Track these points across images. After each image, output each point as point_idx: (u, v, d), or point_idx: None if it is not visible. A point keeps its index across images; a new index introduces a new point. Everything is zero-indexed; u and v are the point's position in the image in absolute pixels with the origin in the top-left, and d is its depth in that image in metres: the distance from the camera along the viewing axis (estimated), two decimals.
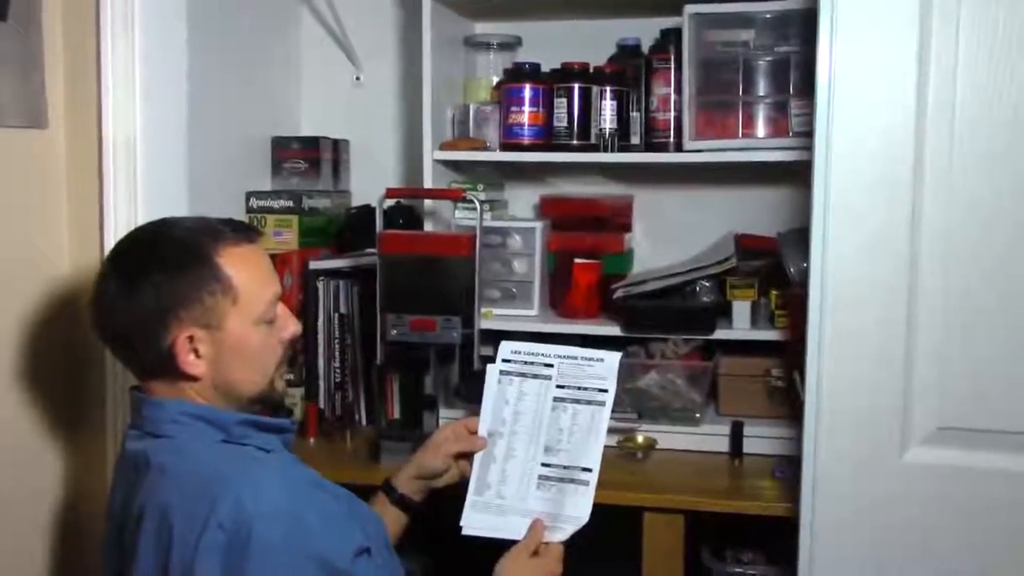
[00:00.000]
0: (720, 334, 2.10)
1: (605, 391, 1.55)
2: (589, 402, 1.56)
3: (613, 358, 1.58)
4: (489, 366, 1.62)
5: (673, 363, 2.18)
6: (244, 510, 1.22)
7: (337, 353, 2.31)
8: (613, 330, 2.13)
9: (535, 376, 1.58)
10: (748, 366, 2.13)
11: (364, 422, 2.33)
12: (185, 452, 1.30)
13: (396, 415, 2.30)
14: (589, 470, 1.53)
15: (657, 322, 2.11)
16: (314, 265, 2.33)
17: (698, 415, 2.13)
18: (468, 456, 1.60)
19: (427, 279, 2.02)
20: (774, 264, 2.08)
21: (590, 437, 1.53)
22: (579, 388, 1.57)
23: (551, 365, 1.58)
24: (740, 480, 1.97)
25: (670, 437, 2.11)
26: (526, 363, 1.59)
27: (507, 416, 1.58)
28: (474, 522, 1.55)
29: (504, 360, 1.60)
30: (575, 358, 1.57)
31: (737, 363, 2.14)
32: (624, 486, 1.89)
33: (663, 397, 2.15)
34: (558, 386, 1.57)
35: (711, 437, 2.11)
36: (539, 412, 1.57)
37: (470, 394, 2.06)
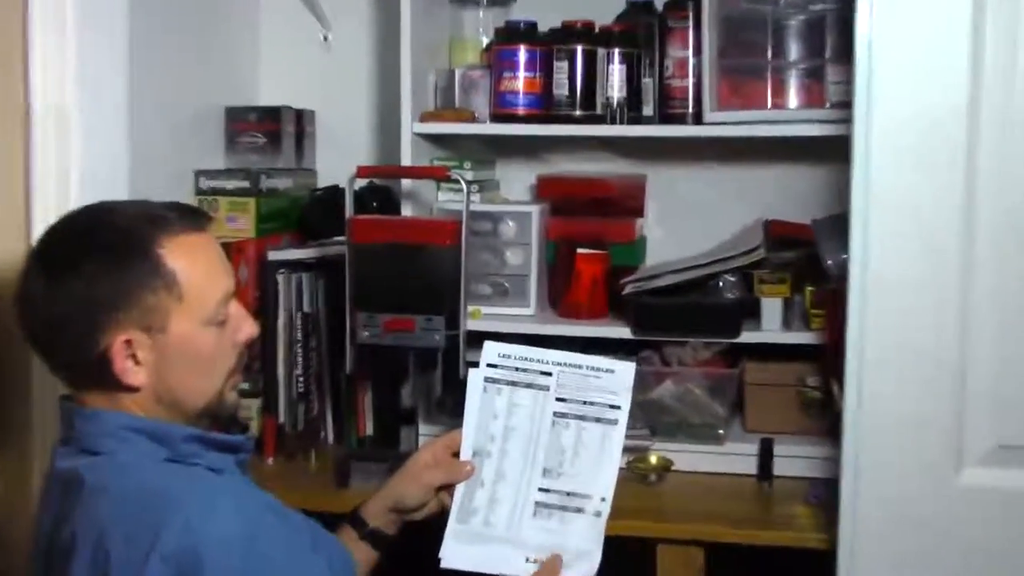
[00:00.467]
0: (747, 337, 2.12)
1: (617, 408, 1.54)
2: (598, 420, 1.55)
3: (627, 370, 1.55)
4: (472, 371, 1.62)
5: (692, 371, 2.20)
6: (193, 536, 1.23)
7: (300, 359, 2.32)
8: (622, 332, 2.15)
9: (529, 385, 1.57)
10: (779, 374, 2.16)
11: (331, 439, 2.36)
12: (125, 471, 1.30)
13: (368, 431, 2.34)
14: (600, 498, 1.53)
15: (673, 323, 2.13)
16: (273, 255, 2.34)
17: (721, 431, 2.15)
18: (451, 488, 1.59)
19: (405, 272, 2.03)
20: (809, 256, 2.09)
21: (602, 461, 1.53)
22: (584, 403, 1.56)
23: (549, 374, 1.57)
24: (769, 507, 2.00)
25: (688, 457, 2.14)
26: (517, 370, 1.58)
27: (496, 432, 1.57)
28: (456, 554, 1.55)
29: (490, 365, 1.58)
30: (579, 367, 1.56)
31: (766, 371, 2.17)
32: (635, 514, 1.90)
33: (680, 410, 2.17)
34: (558, 399, 1.56)
35: (736, 457, 2.13)
36: (535, 428, 1.56)
37: (455, 407, 2.03)
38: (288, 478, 2.15)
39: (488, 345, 1.59)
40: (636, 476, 2.07)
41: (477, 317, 2.18)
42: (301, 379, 2.33)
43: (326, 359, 2.34)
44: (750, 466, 2.11)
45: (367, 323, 2.04)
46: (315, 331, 2.34)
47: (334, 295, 2.26)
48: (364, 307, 2.05)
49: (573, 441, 1.55)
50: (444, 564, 1.54)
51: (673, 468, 2.10)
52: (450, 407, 2.10)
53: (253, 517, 1.28)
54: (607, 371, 1.55)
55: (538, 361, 1.57)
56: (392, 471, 1.70)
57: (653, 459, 2.12)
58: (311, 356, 2.34)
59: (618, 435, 1.53)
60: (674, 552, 1.91)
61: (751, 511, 1.97)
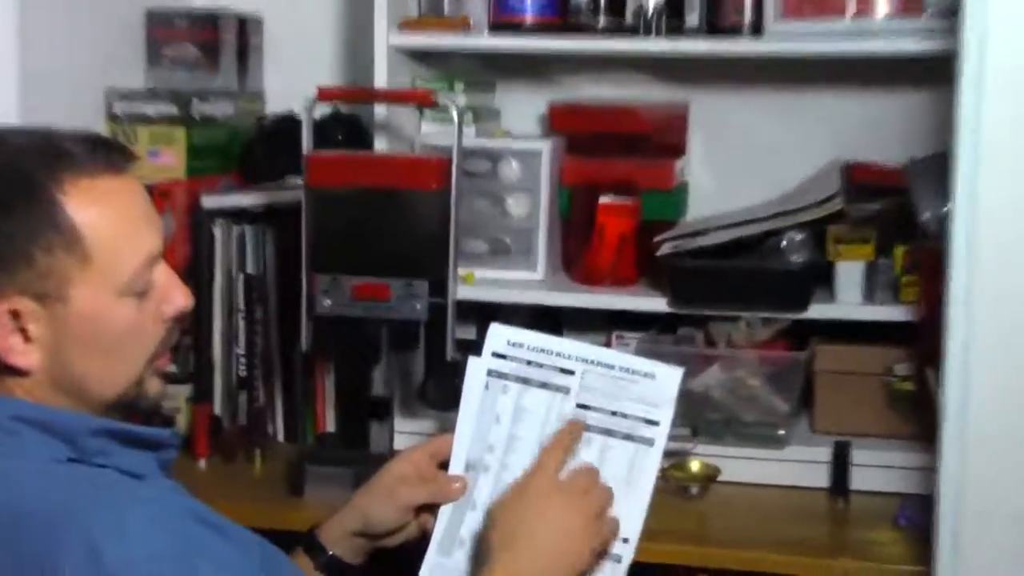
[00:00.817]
0: (817, 311, 2.12)
1: (655, 424, 1.53)
2: (629, 437, 1.54)
3: (671, 377, 1.55)
4: (472, 361, 1.60)
5: (746, 354, 2.19)
6: (102, 562, 1.20)
7: (242, 334, 2.32)
8: (656, 304, 2.15)
9: (544, 385, 1.57)
10: (859, 360, 2.15)
11: (281, 436, 2.37)
12: (9, 475, 1.27)
13: (329, 427, 2.34)
14: (622, 539, 1.52)
15: (722, 293, 2.13)
16: (209, 202, 2.34)
17: (782, 432, 2.15)
18: (434, 508, 1.60)
19: (378, 224, 2.03)
20: (900, 207, 2.10)
21: (629, 491, 1.52)
22: (614, 414, 1.54)
23: (570, 372, 1.56)
24: (844, 530, 2.01)
25: (740, 465, 2.14)
26: (530, 363, 1.57)
27: (497, 441, 1.57)
28: None
29: (495, 355, 1.58)
30: (610, 366, 1.55)
31: (843, 355, 2.17)
32: (669, 537, 1.91)
33: (730, 405, 2.17)
34: (580, 406, 1.55)
35: (801, 465, 2.14)
36: (545, 439, 1.55)
37: (441, 397, 2.09)
38: (225, 486, 2.15)
39: (495, 329, 1.59)
40: (672, 488, 2.08)
41: (470, 283, 2.18)
42: (243, 360, 2.33)
43: (275, 335, 2.34)
44: (820, 477, 2.12)
45: (329, 289, 2.05)
46: (262, 299, 2.34)
47: (286, 253, 2.26)
48: (325, 268, 2.05)
49: (594, 462, 1.53)
50: None
51: (720, 478, 2.11)
52: (435, 398, 2.10)
53: (182, 532, 1.26)
54: (646, 375, 1.54)
55: (558, 355, 1.56)
56: (359, 478, 1.70)
57: (694, 466, 2.12)
58: (256, 331, 2.34)
59: (652, 460, 1.52)
60: None
61: (820, 535, 1.98)
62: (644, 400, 1.53)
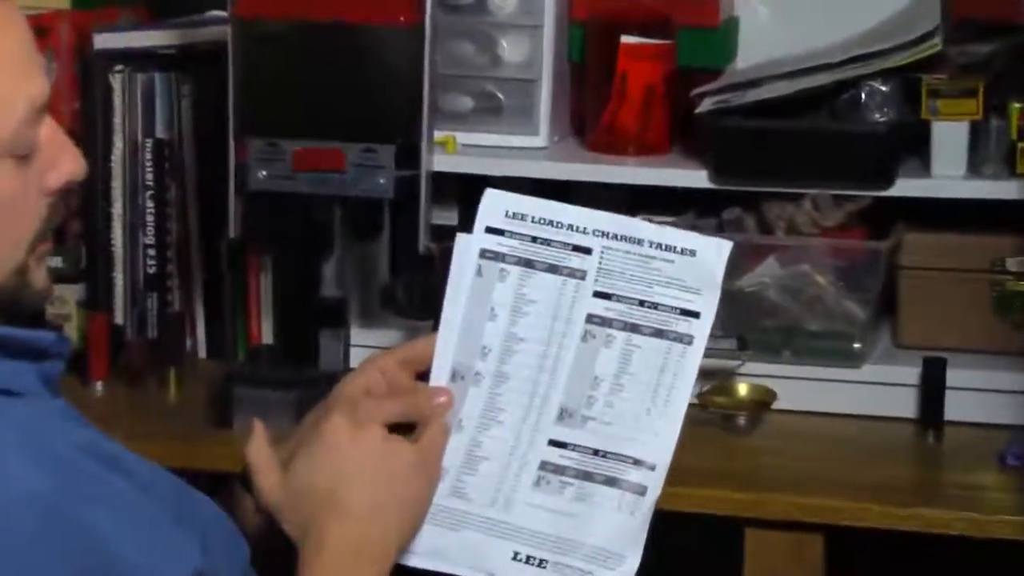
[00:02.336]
0: (905, 188, 2.15)
1: (694, 316, 1.55)
2: (659, 333, 1.55)
3: (717, 252, 1.55)
4: (461, 238, 1.60)
5: (811, 243, 2.20)
6: None
7: (150, 219, 2.33)
8: (694, 178, 2.19)
9: (552, 268, 1.58)
10: (958, 252, 2.19)
11: (203, 352, 2.40)
12: None
13: (266, 339, 2.37)
14: (647, 466, 1.55)
15: (781, 163, 2.16)
16: (104, 42, 2.34)
17: (858, 345, 2.17)
18: (409, 432, 1.58)
19: (328, 71, 2.05)
20: (1019, 51, 2.12)
21: (655, 402, 1.55)
22: (641, 303, 1.56)
23: (587, 250, 1.58)
24: (937, 471, 2.06)
25: (801, 388, 2.17)
26: (535, 240, 1.59)
27: (492, 341, 1.59)
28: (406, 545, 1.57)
29: (490, 230, 1.60)
30: (638, 242, 1.57)
31: (937, 245, 2.20)
32: (710, 478, 1.95)
33: (790, 310, 2.19)
34: (598, 294, 1.58)
35: (882, 389, 2.17)
36: (557, 340, 1.58)
37: (412, 301, 2.13)
38: (130, 417, 2.19)
39: (490, 196, 1.59)
40: (714, 418, 2.10)
41: (451, 150, 2.21)
42: (152, 253, 2.34)
43: (194, 220, 2.35)
44: (905, 404, 2.15)
45: (264, 158, 2.07)
46: (176, 172, 2.34)
47: (208, 111, 2.27)
48: (259, 130, 2.07)
49: (615, 366, 1.56)
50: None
51: (774, 406, 2.13)
52: (403, 302, 2.14)
53: (69, 467, 1.28)
54: (684, 252, 1.56)
55: (570, 228, 1.59)
56: (304, 404, 1.71)
57: (742, 390, 2.16)
58: (169, 214, 2.34)
59: (690, 363, 1.54)
60: (775, 541, 1.96)
61: (906, 477, 2.01)
62: (681, 284, 1.54)
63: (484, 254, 1.58)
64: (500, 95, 2.26)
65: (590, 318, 1.56)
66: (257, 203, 2.11)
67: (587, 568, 1.54)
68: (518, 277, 1.58)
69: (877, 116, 2.17)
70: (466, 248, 1.58)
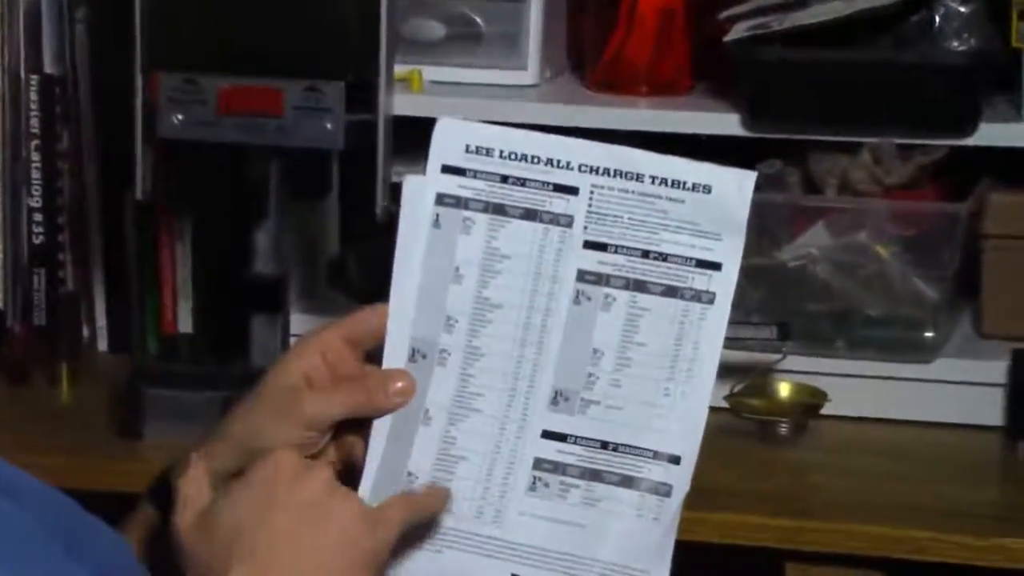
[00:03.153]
0: (989, 135, 2.07)
1: (715, 267, 1.49)
2: (671, 291, 1.49)
3: (740, 185, 1.50)
4: (411, 181, 1.55)
5: (870, 206, 2.13)
6: None
7: (36, 177, 2.28)
8: (723, 123, 2.13)
9: (529, 213, 1.52)
10: None
11: (105, 344, 2.35)
12: None
13: (184, 327, 2.30)
14: (670, 459, 1.49)
15: (832, 105, 2.09)
16: None
17: (930, 335, 2.11)
18: (362, 427, 1.54)
19: None
20: None
21: (674, 378, 1.50)
22: (645, 255, 1.50)
23: (572, 190, 1.51)
24: None
25: (859, 389, 2.10)
26: (506, 180, 1.52)
27: (458, 309, 1.53)
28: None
29: (448, 168, 1.53)
30: (637, 176, 1.50)
31: None
32: (745, 502, 1.91)
33: (844, 289, 2.12)
34: (589, 243, 1.51)
35: (960, 389, 2.09)
36: (540, 304, 1.51)
37: (366, 278, 2.03)
38: (12, 420, 2.14)
39: (444, 126, 1.54)
40: (748, 425, 2.05)
41: (417, 88, 2.18)
42: (40, 218, 2.28)
43: (93, 176, 2.30)
44: (989, 409, 2.06)
45: (181, 97, 1.99)
46: (69, 116, 2.29)
47: (109, 38, 2.22)
48: (174, 63, 2.00)
49: (619, 335, 1.49)
50: None
51: (825, 410, 2.07)
52: (357, 279, 2.07)
53: None
54: (696, 188, 1.48)
55: (549, 162, 1.51)
56: (229, 400, 1.70)
57: (784, 391, 2.07)
58: (60, 169, 2.28)
59: (714, 327, 1.48)
60: None
61: (988, 501, 1.95)
62: (693, 228, 1.47)
63: (442, 200, 1.52)
64: (479, 19, 2.18)
65: (582, 275, 1.49)
66: (171, 155, 2.06)
67: None
68: (487, 227, 1.51)
69: (955, 44, 2.09)
70: (418, 193, 1.52)
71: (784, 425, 2.03)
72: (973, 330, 2.16)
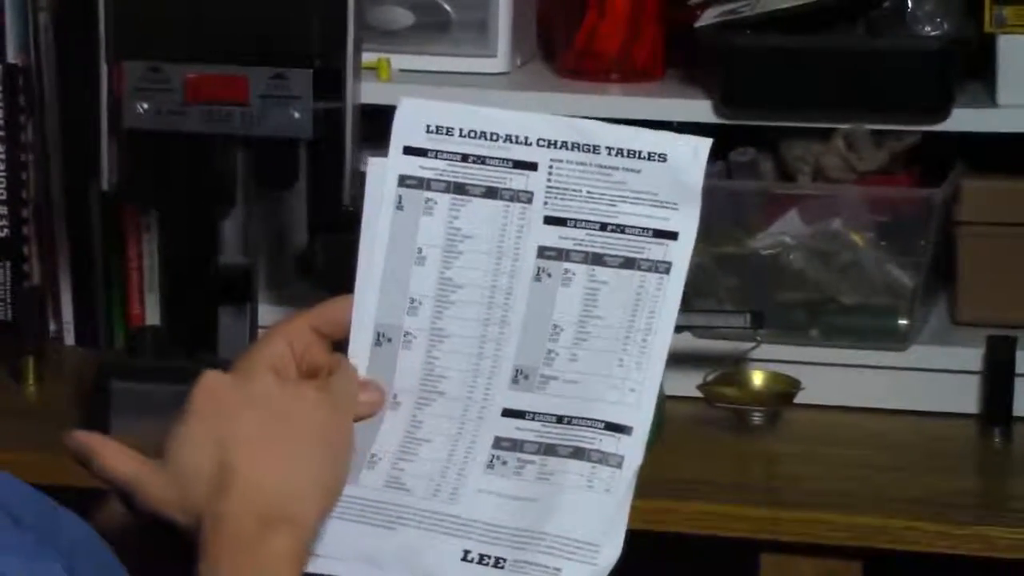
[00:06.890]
0: (962, 120, 2.09)
1: (671, 236, 1.49)
2: (629, 263, 1.51)
3: (693, 152, 1.49)
4: (374, 164, 1.55)
5: (844, 192, 2.16)
6: None
7: (0, 168, 2.30)
8: (696, 109, 2.16)
9: (490, 191, 1.53)
10: None
11: (71, 337, 2.35)
12: None
13: (151, 319, 2.33)
14: (622, 430, 1.49)
15: (805, 91, 2.11)
16: None
17: (904, 322, 2.13)
18: None
19: None
20: None
21: (628, 350, 1.52)
22: (603, 227, 1.51)
23: (531, 165, 1.52)
24: (1003, 481, 2.02)
25: (833, 377, 2.12)
26: (466, 159, 1.53)
27: (421, 291, 1.53)
28: (335, 547, 1.52)
29: (410, 150, 1.53)
30: (593, 148, 1.49)
31: (1005, 195, 2.14)
32: (719, 492, 1.91)
33: (818, 278, 2.14)
34: (549, 219, 1.53)
35: (935, 377, 2.12)
36: (502, 283, 1.53)
37: (335, 268, 2.03)
38: None
39: (406, 106, 1.55)
40: (722, 414, 2.06)
41: (384, 77, 2.20)
42: (3, 211, 2.31)
43: (58, 166, 2.31)
44: (966, 396, 2.08)
45: (147, 86, 2.01)
46: (33, 106, 2.31)
47: (74, 26, 2.22)
48: (139, 52, 2.01)
49: (578, 310, 1.49)
50: (315, 569, 1.49)
51: (799, 399, 2.08)
52: (325, 269, 2.09)
53: None
54: (651, 157, 1.48)
55: (508, 139, 1.51)
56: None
57: (758, 379, 2.09)
58: (23, 162, 2.30)
59: (670, 297, 1.47)
60: (798, 568, 1.90)
61: (966, 489, 1.95)
62: (650, 199, 1.47)
63: (404, 181, 1.52)
64: (447, 6, 2.21)
65: (542, 251, 1.50)
66: (137, 145, 2.06)
67: (554, 564, 1.46)
68: (448, 207, 1.52)
69: (927, 29, 2.11)
70: (381, 176, 1.52)
71: (758, 414, 2.05)
72: (948, 317, 2.19)
